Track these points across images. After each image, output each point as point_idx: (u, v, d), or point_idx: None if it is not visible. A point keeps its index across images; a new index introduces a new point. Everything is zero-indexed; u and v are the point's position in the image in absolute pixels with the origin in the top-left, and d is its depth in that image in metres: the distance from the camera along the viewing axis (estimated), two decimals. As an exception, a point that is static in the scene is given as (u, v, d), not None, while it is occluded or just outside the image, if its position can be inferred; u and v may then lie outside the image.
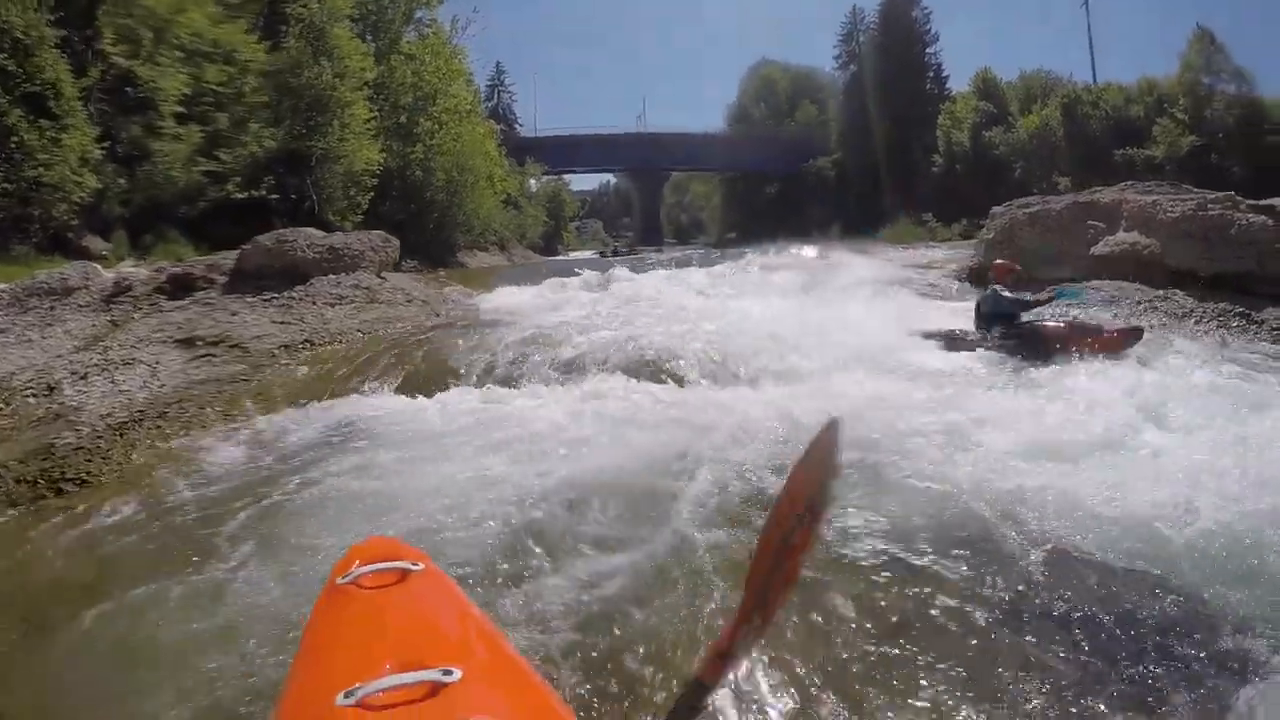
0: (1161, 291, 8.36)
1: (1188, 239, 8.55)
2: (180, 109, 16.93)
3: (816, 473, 0.99)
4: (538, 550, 2.78)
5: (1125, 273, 8.77)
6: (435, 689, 1.05)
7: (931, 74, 51.69)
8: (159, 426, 4.73)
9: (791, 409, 4.43)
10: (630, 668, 2.15)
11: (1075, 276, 9.19)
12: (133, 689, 2.21)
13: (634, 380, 5.29)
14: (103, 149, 15.24)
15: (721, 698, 1.94)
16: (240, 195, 17.60)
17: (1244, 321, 7.64)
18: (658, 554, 2.71)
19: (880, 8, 53.00)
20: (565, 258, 40.94)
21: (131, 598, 2.68)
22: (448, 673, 1.06)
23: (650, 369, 5.49)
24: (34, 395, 5.64)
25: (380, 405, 4.95)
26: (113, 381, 5.83)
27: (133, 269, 9.96)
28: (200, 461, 4.05)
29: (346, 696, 1.04)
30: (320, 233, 9.71)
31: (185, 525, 3.29)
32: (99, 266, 9.51)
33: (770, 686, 2.06)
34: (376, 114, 22.86)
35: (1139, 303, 8.28)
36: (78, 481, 4.03)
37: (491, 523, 2.98)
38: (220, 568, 2.85)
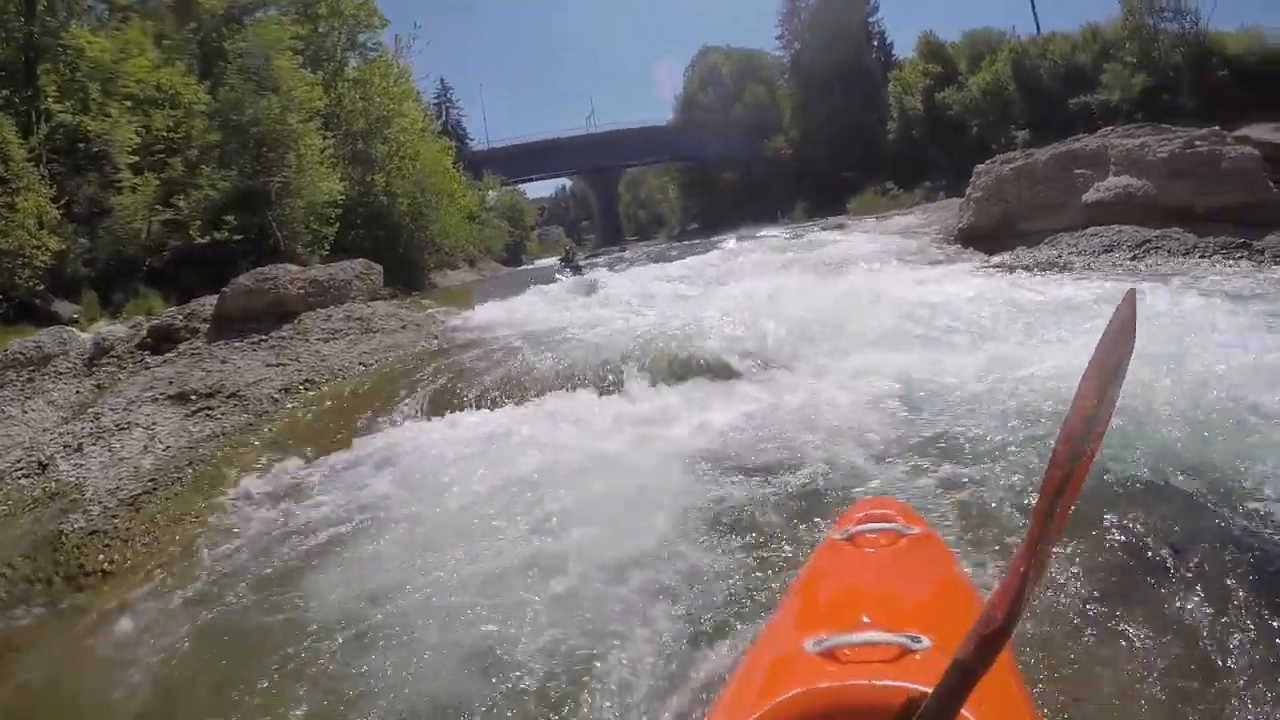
0: (1160, 231, 8.33)
1: (1179, 177, 8.53)
2: (134, 158, 16.43)
3: (1118, 347, 0.90)
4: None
5: (1121, 217, 8.74)
6: (901, 653, 1.06)
7: (876, 42, 51.78)
8: (177, 494, 4.42)
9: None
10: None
11: (1069, 226, 9.15)
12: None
13: (684, 378, 5.04)
14: (60, 209, 14.66)
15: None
16: (202, 240, 17.07)
17: (1246, 251, 7.64)
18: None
19: (817, -17, 52.95)
20: (532, 266, 40.36)
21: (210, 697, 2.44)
22: (916, 640, 1.07)
23: (685, 365, 5.20)
24: (26, 476, 5.30)
25: (414, 433, 4.67)
26: (110, 450, 5.50)
27: (110, 328, 9.54)
28: (236, 526, 3.72)
29: (816, 644, 1.10)
30: (299, 267, 9.39)
31: (245, 604, 2.97)
32: (74, 330, 9.10)
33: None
34: (332, 142, 22.30)
35: (1139, 244, 8.24)
36: (98, 573, 3.64)
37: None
38: (315, 634, 2.65)
